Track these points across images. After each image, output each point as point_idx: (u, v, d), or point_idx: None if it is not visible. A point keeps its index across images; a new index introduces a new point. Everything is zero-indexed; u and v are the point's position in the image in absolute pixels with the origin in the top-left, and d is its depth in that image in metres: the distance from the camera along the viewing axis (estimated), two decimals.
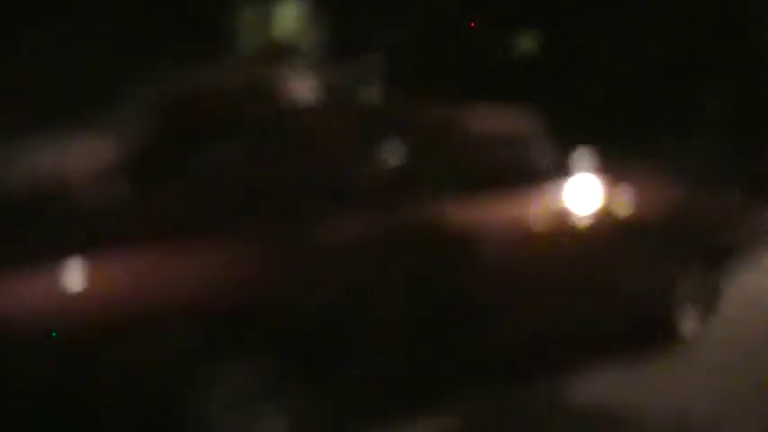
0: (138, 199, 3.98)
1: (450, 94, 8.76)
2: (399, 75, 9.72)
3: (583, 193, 4.70)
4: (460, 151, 4.36)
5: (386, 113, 5.65)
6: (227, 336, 3.42)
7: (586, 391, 4.54)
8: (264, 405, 3.56)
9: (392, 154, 4.25)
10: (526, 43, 10.67)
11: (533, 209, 4.49)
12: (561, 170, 4.69)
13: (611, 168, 5.48)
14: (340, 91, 8.65)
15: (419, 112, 4.85)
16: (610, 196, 4.84)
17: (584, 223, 4.67)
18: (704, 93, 9.03)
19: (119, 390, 3.22)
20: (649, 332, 5.12)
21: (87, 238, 3.46)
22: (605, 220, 4.76)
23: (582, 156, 4.84)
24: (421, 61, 10.30)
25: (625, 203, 4.89)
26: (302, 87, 8.09)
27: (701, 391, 4.48)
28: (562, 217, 4.60)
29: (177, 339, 3.29)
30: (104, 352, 3.17)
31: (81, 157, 5.97)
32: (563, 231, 4.60)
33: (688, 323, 5.21)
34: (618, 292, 4.86)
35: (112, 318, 3.20)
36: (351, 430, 3.91)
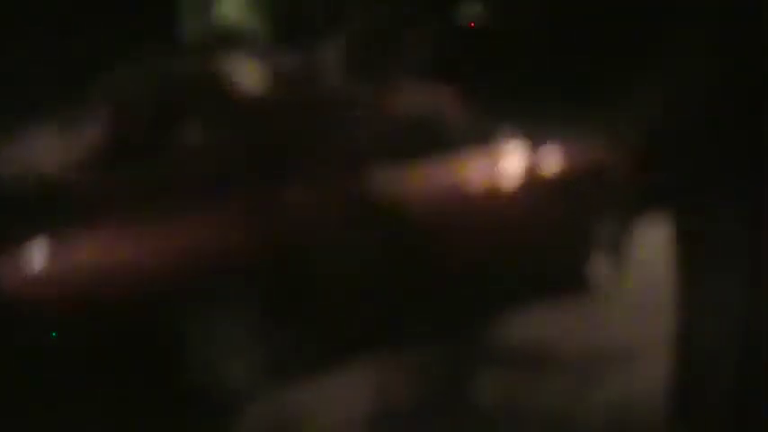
0: (112, 182, 4.47)
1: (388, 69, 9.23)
2: (343, 56, 10.06)
3: (508, 157, 5.30)
4: (392, 125, 4.94)
5: (327, 95, 6.26)
6: (216, 291, 4.00)
7: (514, 333, 5.15)
8: (249, 347, 4.15)
9: (332, 130, 4.80)
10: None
11: (464, 172, 5.10)
12: (489, 136, 5.29)
13: (536, 132, 6.12)
14: (283, 76, 8.98)
15: (356, 91, 5.46)
16: (533, 158, 5.46)
17: (509, 183, 5.28)
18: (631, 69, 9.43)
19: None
20: (569, 279, 5.75)
21: (72, 217, 3.98)
22: (528, 180, 5.37)
23: (508, 122, 5.43)
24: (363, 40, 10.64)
25: (546, 164, 5.52)
26: (247, 73, 8.46)
27: (614, 330, 5.10)
28: (489, 178, 5.20)
29: (173, 296, 3.86)
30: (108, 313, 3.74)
31: (55, 148, 6.38)
32: (490, 191, 5.22)
33: (603, 270, 5.85)
34: (540, 244, 5.48)
35: (113, 283, 3.75)
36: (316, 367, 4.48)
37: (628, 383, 4.28)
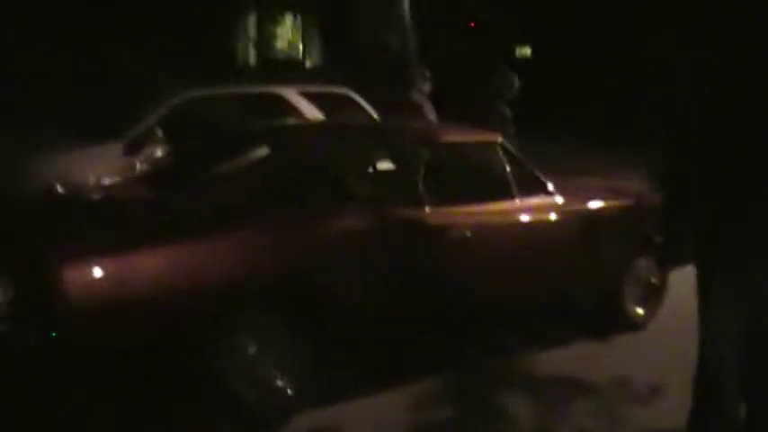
0: (161, 199, 4.69)
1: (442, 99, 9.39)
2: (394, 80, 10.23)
3: (549, 193, 5.49)
4: (437, 158, 5.14)
5: (375, 126, 6.49)
6: (245, 308, 4.20)
7: (546, 362, 5.31)
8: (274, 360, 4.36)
9: (380, 160, 5.00)
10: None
11: (504, 206, 5.28)
12: (527, 173, 5.47)
13: (577, 169, 6.27)
14: (336, 101, 9.19)
15: (402, 124, 5.69)
16: (573, 194, 5.63)
17: (548, 218, 5.45)
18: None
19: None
20: (603, 314, 5.90)
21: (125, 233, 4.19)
22: (568, 216, 5.52)
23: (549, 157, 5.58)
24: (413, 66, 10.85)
25: (585, 201, 5.69)
26: (302, 99, 8.73)
27: (646, 364, 5.24)
28: (529, 212, 5.37)
29: (203, 312, 4.05)
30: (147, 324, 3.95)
31: (108, 163, 6.67)
32: (530, 225, 5.39)
33: (637, 307, 6.00)
34: (578, 279, 5.63)
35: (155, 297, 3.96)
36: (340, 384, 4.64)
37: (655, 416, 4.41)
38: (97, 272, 3.77)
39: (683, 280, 4.18)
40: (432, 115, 8.65)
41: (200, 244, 4.14)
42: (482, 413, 4.65)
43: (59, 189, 5.36)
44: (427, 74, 9.48)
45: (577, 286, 5.70)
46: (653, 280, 6.04)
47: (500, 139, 5.39)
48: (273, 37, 15.94)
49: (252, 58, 15.44)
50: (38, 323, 3.79)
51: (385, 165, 5.36)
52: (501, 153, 5.33)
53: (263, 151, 4.97)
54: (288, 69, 17.84)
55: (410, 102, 8.66)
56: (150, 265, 3.93)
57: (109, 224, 4.26)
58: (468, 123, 5.81)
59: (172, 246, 4.07)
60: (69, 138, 7.70)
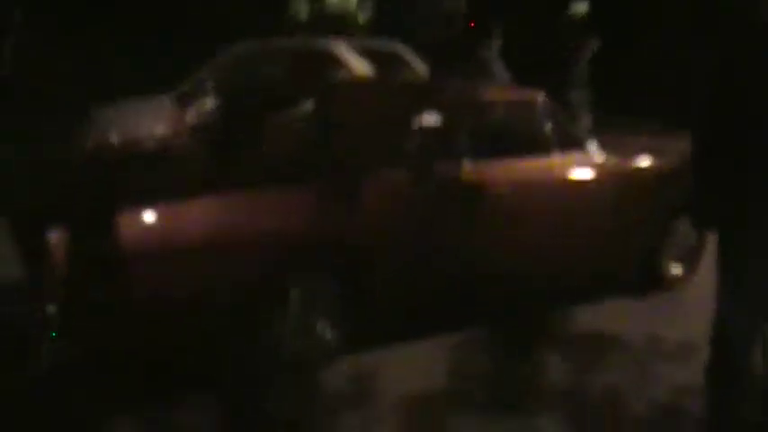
0: (219, 154, 4.87)
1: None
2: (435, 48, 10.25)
3: (589, 154, 5.57)
4: (480, 118, 5.24)
5: (420, 86, 6.59)
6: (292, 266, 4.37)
7: (579, 322, 5.44)
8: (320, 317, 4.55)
9: (426, 120, 5.10)
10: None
11: (543, 167, 5.38)
12: (567, 135, 5.55)
13: (614, 132, 6.31)
14: (385, 57, 9.25)
15: (446, 85, 5.78)
16: (609, 157, 5.70)
17: (586, 178, 5.54)
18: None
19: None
20: (639, 275, 5.99)
21: (182, 185, 4.37)
22: (604, 177, 5.60)
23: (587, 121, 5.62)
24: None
25: (620, 164, 5.76)
26: (351, 54, 8.82)
27: (678, 325, 5.32)
28: (567, 174, 5.47)
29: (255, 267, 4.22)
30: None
31: (170, 119, 6.86)
32: (568, 186, 5.49)
33: (673, 269, 6.08)
34: (615, 240, 5.71)
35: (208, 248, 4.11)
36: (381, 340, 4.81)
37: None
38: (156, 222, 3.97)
39: None
40: (504, 74, 8.61)
41: (254, 197, 4.30)
42: (516, 366, 4.80)
43: (113, 140, 5.55)
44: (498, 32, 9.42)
45: (617, 244, 5.77)
46: (691, 240, 6.11)
47: (541, 98, 5.47)
48: None
49: (304, 12, 15.48)
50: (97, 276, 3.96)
51: (431, 121, 5.46)
52: (542, 111, 5.43)
53: (310, 106, 5.10)
54: (341, 23, 17.85)
55: (479, 59, 8.62)
56: (206, 216, 4.11)
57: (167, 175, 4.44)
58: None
59: (227, 197, 4.24)
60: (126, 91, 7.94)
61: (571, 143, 5.50)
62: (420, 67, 9.40)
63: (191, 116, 6.53)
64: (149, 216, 3.97)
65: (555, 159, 5.40)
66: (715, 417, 3.56)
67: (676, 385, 4.50)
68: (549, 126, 5.40)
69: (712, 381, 3.56)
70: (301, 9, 15.90)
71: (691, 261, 6.14)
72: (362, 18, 20.70)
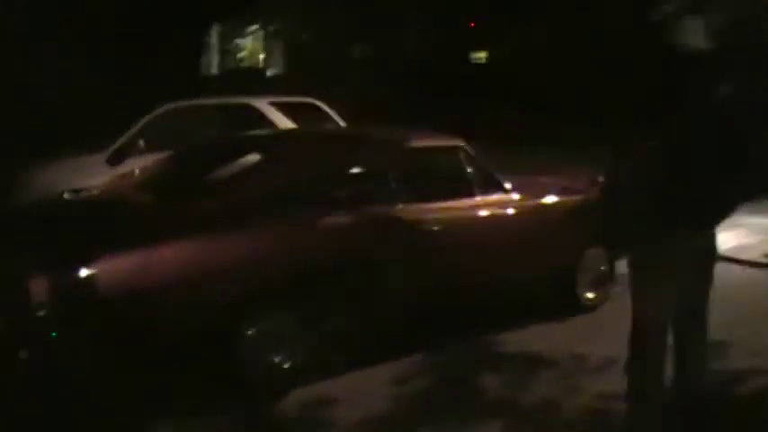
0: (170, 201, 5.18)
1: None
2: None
3: (508, 189, 6.12)
4: (406, 162, 5.73)
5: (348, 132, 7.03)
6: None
7: (511, 341, 5.92)
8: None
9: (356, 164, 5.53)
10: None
11: (468, 203, 5.90)
12: (486, 174, 6.09)
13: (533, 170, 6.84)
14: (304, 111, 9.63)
15: (376, 133, 6.28)
16: (529, 191, 6.25)
17: (506, 211, 6.08)
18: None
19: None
20: (558, 296, 6.56)
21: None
22: (525, 209, 6.17)
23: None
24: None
25: (539, 197, 6.31)
26: (273, 108, 9.23)
27: (600, 341, 5.80)
28: (491, 207, 6.01)
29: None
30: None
31: (107, 175, 7.18)
32: (491, 218, 6.02)
33: (590, 290, 6.66)
34: (535, 265, 6.26)
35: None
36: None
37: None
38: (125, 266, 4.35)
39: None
40: None
41: (213, 241, 4.72)
42: (456, 386, 5.23)
43: (66, 195, 5.84)
44: None
45: (535, 273, 6.32)
46: (602, 267, 6.70)
47: (461, 144, 6.01)
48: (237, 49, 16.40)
49: (215, 68, 15.88)
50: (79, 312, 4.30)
51: (359, 168, 5.88)
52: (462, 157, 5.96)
53: (253, 158, 5.49)
54: (250, 78, 18.30)
55: None
56: (171, 260, 4.49)
57: (131, 224, 4.83)
58: None
59: (191, 242, 4.62)
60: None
61: (489, 185, 6.05)
62: (335, 116, 9.88)
63: (129, 171, 6.81)
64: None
65: (474, 200, 5.94)
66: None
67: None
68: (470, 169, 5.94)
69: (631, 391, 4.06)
70: (212, 63, 16.31)
71: (603, 285, 6.72)
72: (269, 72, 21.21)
